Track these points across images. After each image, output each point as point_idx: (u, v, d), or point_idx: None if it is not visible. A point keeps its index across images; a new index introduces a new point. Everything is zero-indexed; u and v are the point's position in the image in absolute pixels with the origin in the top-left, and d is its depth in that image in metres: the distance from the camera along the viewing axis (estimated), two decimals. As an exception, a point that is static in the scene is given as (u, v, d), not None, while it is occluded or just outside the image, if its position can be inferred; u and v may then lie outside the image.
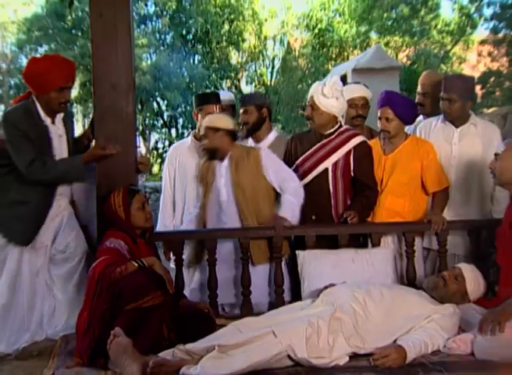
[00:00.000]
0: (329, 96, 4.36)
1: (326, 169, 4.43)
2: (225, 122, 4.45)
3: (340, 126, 4.52)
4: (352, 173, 4.45)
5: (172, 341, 3.42)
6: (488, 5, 15.23)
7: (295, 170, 4.50)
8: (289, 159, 4.61)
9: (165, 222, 4.91)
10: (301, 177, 4.46)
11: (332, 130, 4.48)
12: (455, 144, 4.65)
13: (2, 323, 4.19)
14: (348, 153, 4.43)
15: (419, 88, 5.16)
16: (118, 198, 3.90)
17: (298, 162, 4.52)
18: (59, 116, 4.34)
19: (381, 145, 4.62)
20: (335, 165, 4.43)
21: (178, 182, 4.87)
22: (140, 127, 20.52)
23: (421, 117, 5.11)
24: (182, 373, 3.06)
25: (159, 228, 4.89)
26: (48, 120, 4.26)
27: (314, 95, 4.42)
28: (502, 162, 3.79)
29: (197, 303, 4.02)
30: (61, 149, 4.31)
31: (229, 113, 5.03)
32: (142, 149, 20.79)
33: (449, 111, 4.62)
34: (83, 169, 4.19)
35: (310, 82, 18.28)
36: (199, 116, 4.82)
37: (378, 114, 4.55)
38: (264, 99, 5.08)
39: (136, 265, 3.55)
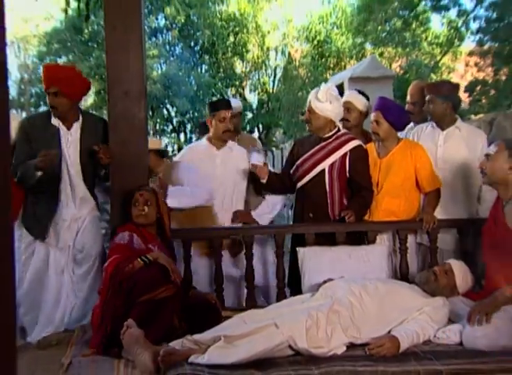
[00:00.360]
0: (323, 100, 4.37)
1: (323, 170, 4.42)
2: (152, 143, 4.65)
3: (338, 130, 4.52)
4: (348, 175, 4.44)
5: (183, 330, 3.41)
6: (475, 19, 15.30)
7: (295, 171, 4.51)
8: (291, 161, 4.62)
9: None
10: (300, 177, 4.48)
11: (330, 134, 4.47)
12: (440, 146, 4.66)
13: (31, 318, 4.24)
14: (344, 156, 4.42)
15: (408, 98, 5.16)
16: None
17: (298, 162, 4.51)
18: (77, 124, 4.34)
19: (376, 149, 4.62)
20: (331, 166, 4.42)
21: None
22: (151, 132, 20.58)
23: (411, 124, 5.09)
24: (190, 362, 3.06)
25: None
26: (59, 124, 4.28)
27: (311, 100, 4.44)
28: (493, 163, 3.78)
29: (206, 294, 4.00)
30: (72, 155, 4.30)
31: (238, 119, 5.02)
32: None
33: (430, 111, 4.68)
34: (33, 174, 4.08)
35: (309, 90, 18.22)
36: (212, 121, 4.77)
37: (372, 116, 4.57)
38: None
39: (142, 262, 3.57)
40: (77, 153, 4.31)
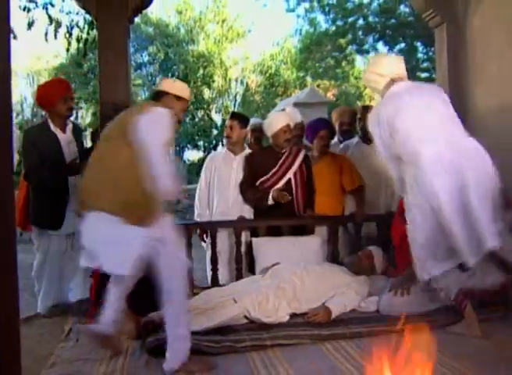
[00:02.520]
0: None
1: (290, 179, 4.28)
2: None
3: None
4: (305, 179, 4.35)
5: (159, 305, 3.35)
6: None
7: (264, 183, 4.28)
8: (251, 172, 4.34)
9: (202, 212, 4.52)
10: (270, 187, 4.23)
11: (286, 148, 4.34)
12: (367, 157, 4.63)
13: (41, 291, 4.12)
14: (301, 164, 4.32)
15: (346, 120, 5.04)
16: None
17: (267, 176, 4.27)
18: (69, 128, 4.24)
19: None
20: (295, 175, 4.29)
21: (215, 183, 4.48)
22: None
23: (336, 140, 5.07)
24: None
25: (196, 217, 4.60)
26: (57, 130, 4.16)
27: (291, 122, 4.34)
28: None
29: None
30: (70, 153, 4.18)
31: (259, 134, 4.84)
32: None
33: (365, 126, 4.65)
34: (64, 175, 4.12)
35: (263, 112, 18.33)
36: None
37: (321, 133, 4.49)
38: None
39: None
40: (75, 152, 4.22)
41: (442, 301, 3.43)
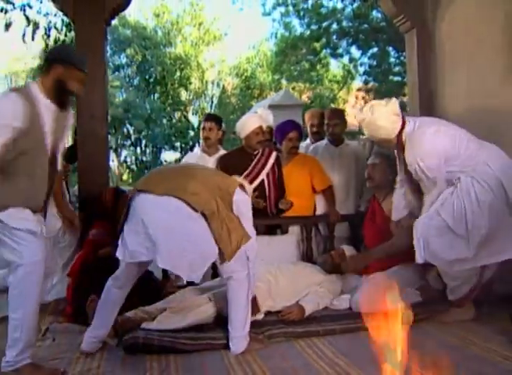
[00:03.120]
0: None
1: (263, 180, 4.25)
2: None
3: None
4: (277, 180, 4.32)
5: (137, 303, 3.31)
6: (361, 64, 15.91)
7: None
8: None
9: None
10: None
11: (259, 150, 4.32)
12: (336, 159, 4.70)
13: None
14: (273, 165, 4.29)
15: (315, 122, 5.02)
16: (108, 196, 3.58)
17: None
18: None
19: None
20: (267, 175, 4.27)
21: None
22: (114, 146, 20.19)
23: (307, 142, 5.09)
24: (142, 328, 3.02)
25: None
26: None
27: (270, 121, 4.31)
28: (379, 171, 3.90)
29: (164, 282, 3.99)
30: None
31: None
32: (115, 162, 20.41)
33: (336, 131, 4.69)
34: None
35: (239, 114, 18.35)
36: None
37: (290, 135, 4.45)
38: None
39: None
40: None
41: (412, 297, 3.49)
